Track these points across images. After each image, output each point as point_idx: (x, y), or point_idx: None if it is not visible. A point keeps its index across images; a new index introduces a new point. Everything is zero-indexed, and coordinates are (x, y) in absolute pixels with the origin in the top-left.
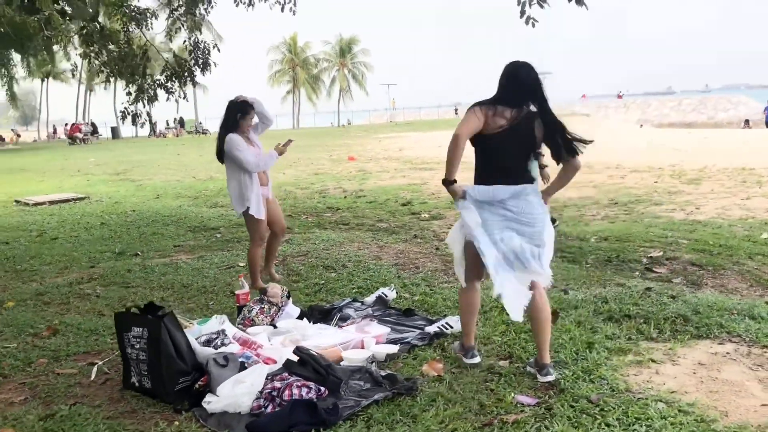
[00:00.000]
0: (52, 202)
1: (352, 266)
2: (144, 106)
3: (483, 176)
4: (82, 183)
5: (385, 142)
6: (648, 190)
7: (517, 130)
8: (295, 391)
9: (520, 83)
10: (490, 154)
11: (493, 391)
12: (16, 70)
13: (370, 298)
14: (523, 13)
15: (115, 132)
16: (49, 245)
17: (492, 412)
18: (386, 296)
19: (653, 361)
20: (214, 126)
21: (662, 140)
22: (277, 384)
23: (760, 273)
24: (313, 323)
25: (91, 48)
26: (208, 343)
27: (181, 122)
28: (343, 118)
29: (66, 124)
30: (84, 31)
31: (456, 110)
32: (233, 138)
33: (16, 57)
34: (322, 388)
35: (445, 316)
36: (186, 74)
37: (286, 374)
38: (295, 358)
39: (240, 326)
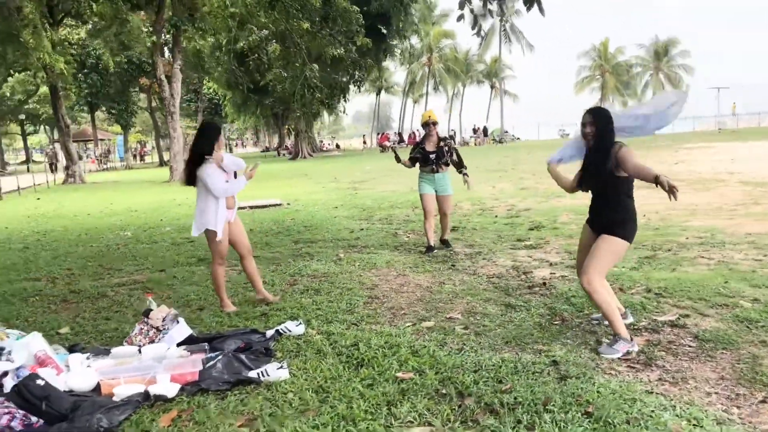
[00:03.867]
0: (252, 207)
1: (337, 293)
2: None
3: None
4: (317, 189)
5: (681, 153)
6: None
7: None
8: None
9: None
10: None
11: None
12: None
13: (270, 331)
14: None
15: None
16: (173, 249)
17: None
18: (288, 331)
19: None
20: (523, 134)
21: None
22: None
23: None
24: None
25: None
26: None
27: (485, 131)
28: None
29: (378, 134)
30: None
31: None
32: (207, 165)
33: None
34: (34, 419)
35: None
36: (341, 93)
37: (6, 401)
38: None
39: (126, 343)
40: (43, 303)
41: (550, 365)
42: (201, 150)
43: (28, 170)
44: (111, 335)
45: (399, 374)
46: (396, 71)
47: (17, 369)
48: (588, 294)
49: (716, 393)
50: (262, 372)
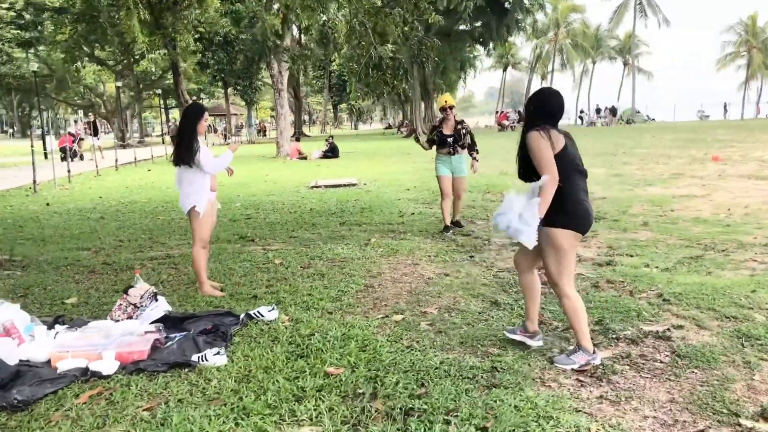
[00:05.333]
0: (326, 186)
1: (338, 279)
2: (373, 103)
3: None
4: (405, 169)
5: None
6: None
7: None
8: None
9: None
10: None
11: None
12: (480, 61)
13: (244, 314)
14: None
15: None
16: (226, 225)
17: None
18: (260, 316)
19: None
20: (658, 114)
21: None
22: None
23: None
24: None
25: None
26: None
27: (613, 111)
28: None
29: (496, 112)
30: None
31: None
32: (199, 142)
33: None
34: None
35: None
36: (402, 72)
37: None
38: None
39: (108, 318)
40: (72, 272)
41: (487, 371)
42: (185, 131)
43: (162, 142)
44: (109, 308)
45: (330, 369)
46: (522, 46)
47: None
48: (558, 298)
49: (654, 417)
50: (202, 356)
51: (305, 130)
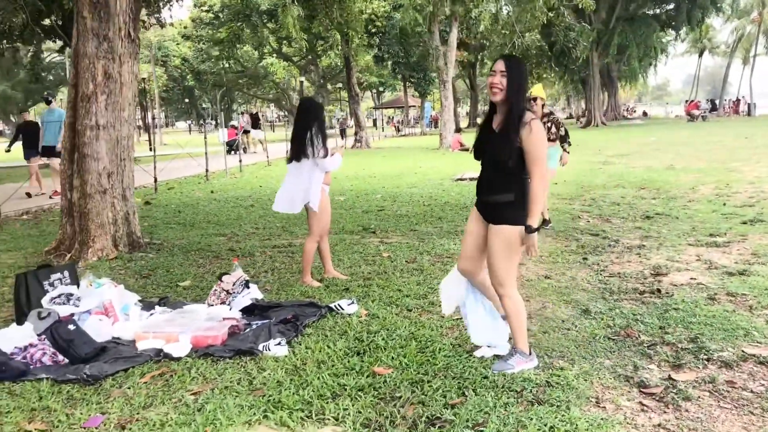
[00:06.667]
0: (472, 179)
1: (433, 276)
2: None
3: None
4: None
5: None
6: None
7: None
8: (32, 351)
9: None
10: None
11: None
12: (673, 46)
13: (325, 306)
14: None
15: (750, 108)
16: (359, 215)
17: None
18: (340, 309)
19: None
20: None
21: None
22: (38, 344)
23: None
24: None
25: None
26: (52, 300)
27: None
28: None
29: (686, 101)
30: None
31: None
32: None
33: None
34: (61, 357)
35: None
36: (546, 61)
37: (46, 339)
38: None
39: (206, 303)
40: (197, 257)
41: (539, 385)
42: (308, 125)
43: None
44: None
45: (378, 369)
46: (721, 29)
47: (81, 313)
48: (500, 297)
49: None
50: (266, 346)
51: (480, 121)
